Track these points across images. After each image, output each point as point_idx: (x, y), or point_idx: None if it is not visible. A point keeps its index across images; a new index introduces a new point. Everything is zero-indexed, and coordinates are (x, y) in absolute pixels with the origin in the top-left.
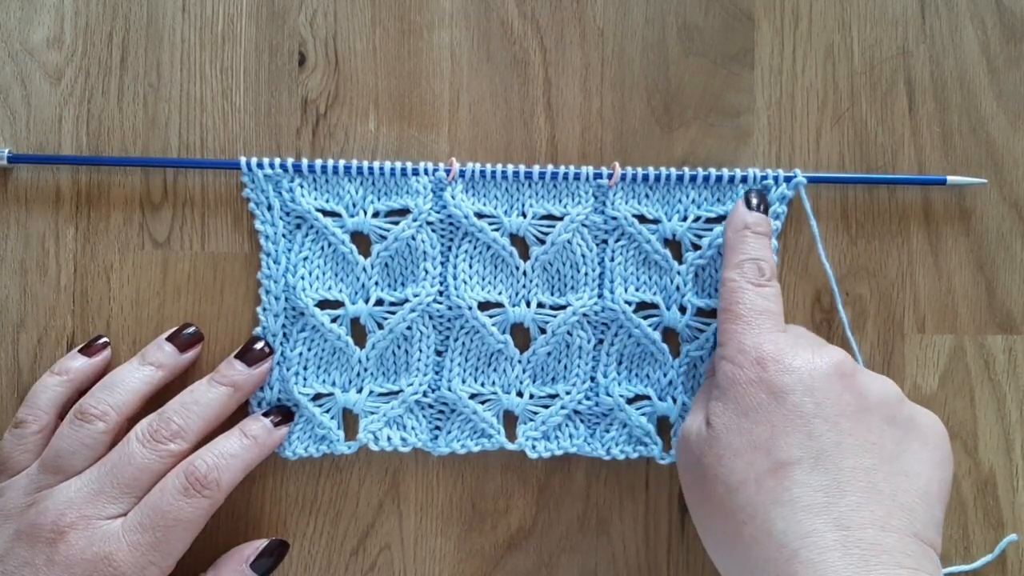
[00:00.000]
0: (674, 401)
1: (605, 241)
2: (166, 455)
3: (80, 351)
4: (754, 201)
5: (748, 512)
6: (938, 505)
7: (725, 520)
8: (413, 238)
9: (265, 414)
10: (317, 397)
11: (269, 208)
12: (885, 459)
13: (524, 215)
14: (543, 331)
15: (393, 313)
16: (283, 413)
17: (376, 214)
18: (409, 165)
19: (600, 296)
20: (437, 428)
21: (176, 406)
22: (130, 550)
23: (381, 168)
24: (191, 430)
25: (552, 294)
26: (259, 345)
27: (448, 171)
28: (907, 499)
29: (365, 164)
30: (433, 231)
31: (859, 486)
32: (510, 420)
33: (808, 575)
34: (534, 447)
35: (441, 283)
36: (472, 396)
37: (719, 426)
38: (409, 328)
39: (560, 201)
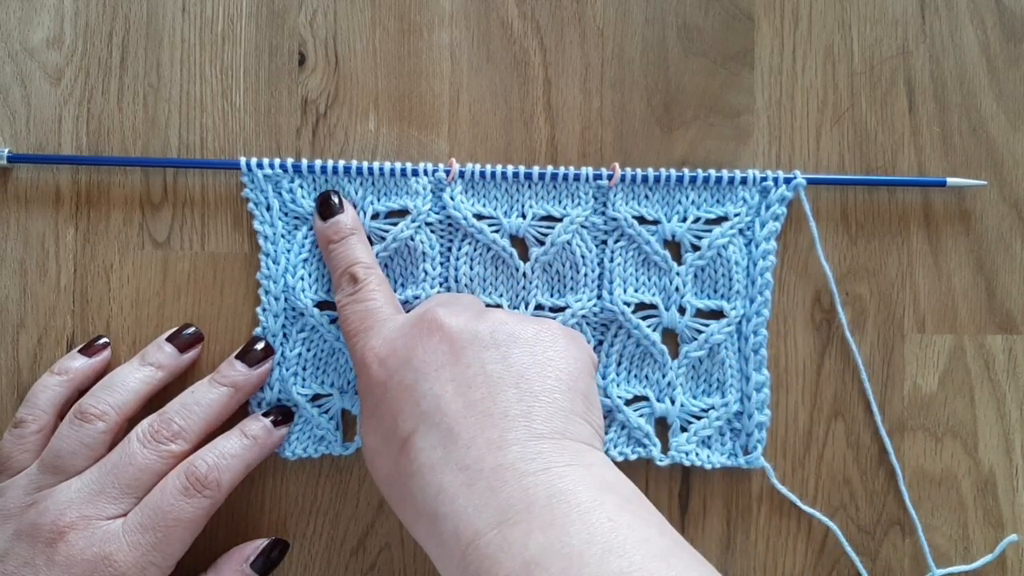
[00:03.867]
0: (672, 402)
1: (604, 242)
2: (167, 455)
3: (80, 351)
4: (332, 201)
5: (401, 501)
6: (565, 396)
7: (404, 517)
8: (412, 239)
9: (265, 414)
10: (316, 398)
11: (269, 208)
12: (491, 383)
13: (524, 216)
14: None
15: None
16: (283, 413)
17: (376, 215)
18: (409, 166)
19: (599, 297)
20: None
21: (177, 407)
22: (130, 550)
23: (380, 169)
24: (192, 431)
25: (551, 295)
26: (260, 345)
27: (448, 172)
28: (521, 408)
29: (364, 165)
30: (433, 232)
31: (469, 423)
32: None
33: (448, 529)
34: None
35: (441, 284)
36: None
37: (362, 435)
38: None
39: (560, 202)
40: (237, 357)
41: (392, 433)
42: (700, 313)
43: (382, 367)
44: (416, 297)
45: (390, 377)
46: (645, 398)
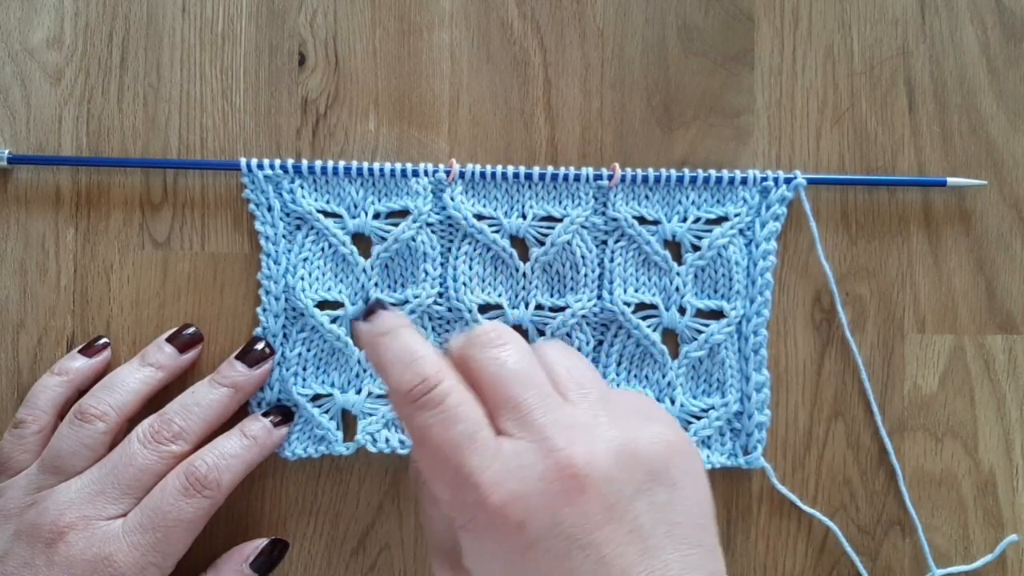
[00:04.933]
0: (672, 402)
1: (605, 242)
2: (167, 456)
3: (80, 351)
4: (377, 306)
5: None
6: (712, 535)
7: None
8: (413, 239)
9: (265, 414)
10: (316, 398)
11: (269, 209)
12: (644, 540)
13: (524, 216)
14: (542, 333)
15: None
16: (283, 413)
17: (376, 215)
18: (409, 166)
19: (599, 297)
20: None
21: (177, 407)
22: (130, 550)
23: (381, 169)
24: (192, 431)
25: (551, 295)
26: (260, 346)
27: (448, 172)
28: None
29: (365, 165)
30: (433, 232)
31: None
32: None
33: None
34: None
35: (441, 284)
36: None
37: None
38: None
39: (560, 202)
40: (237, 357)
41: None
42: (700, 313)
43: (520, 533)
44: (416, 297)
45: (532, 545)
46: None
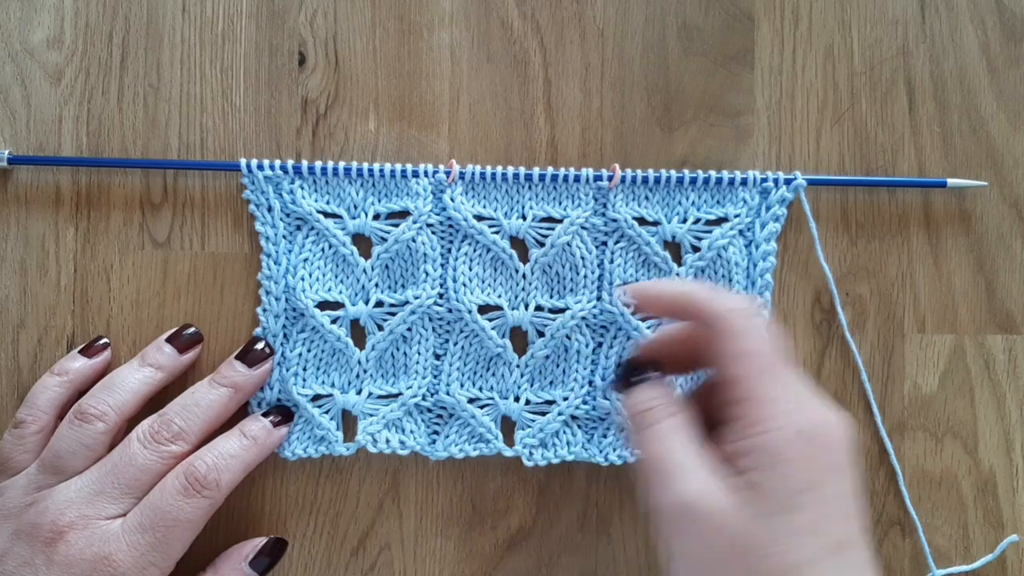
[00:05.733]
0: None
1: (604, 243)
2: (167, 456)
3: (80, 352)
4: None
5: None
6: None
7: None
8: (413, 240)
9: (265, 414)
10: (316, 398)
11: (269, 209)
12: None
13: (524, 217)
14: (541, 334)
15: (393, 315)
16: (283, 413)
17: (377, 216)
18: (409, 167)
19: (599, 298)
20: (435, 432)
21: (177, 408)
22: (129, 550)
23: (381, 170)
24: (192, 431)
25: (551, 297)
26: (260, 346)
27: (448, 173)
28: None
29: (365, 166)
30: (433, 233)
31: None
32: (508, 424)
33: None
34: (531, 455)
35: (441, 285)
36: (470, 400)
37: (763, 504)
38: (409, 330)
39: (560, 203)
40: (237, 358)
41: (818, 529)
42: None
43: (811, 445)
44: (416, 298)
45: (828, 469)
46: None
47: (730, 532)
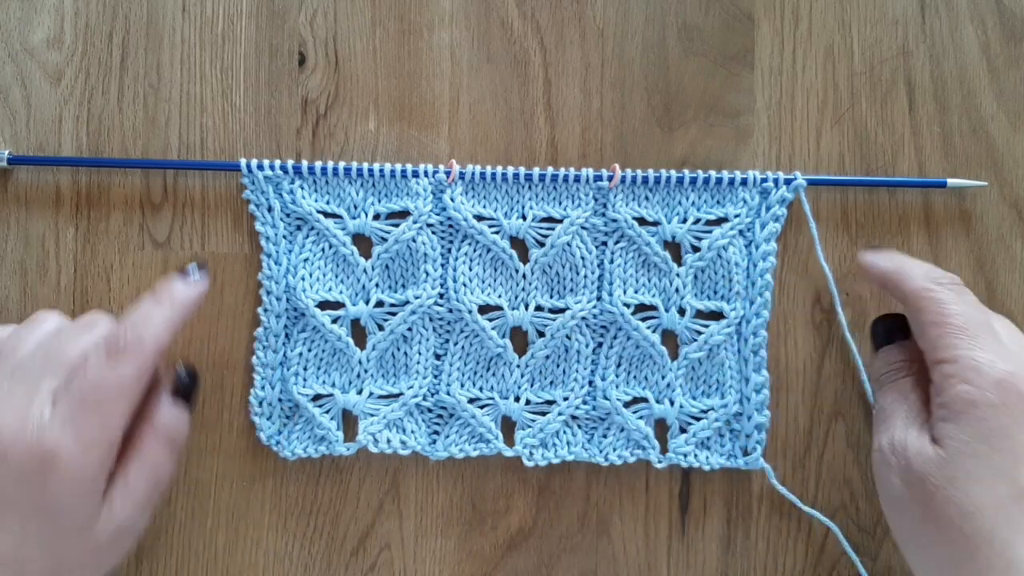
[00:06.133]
0: (671, 403)
1: (604, 243)
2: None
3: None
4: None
5: (984, 538)
6: None
7: (952, 543)
8: (414, 240)
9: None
10: (317, 398)
11: (270, 210)
12: None
13: (524, 217)
14: (542, 335)
15: (393, 315)
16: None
17: (377, 216)
18: (409, 167)
19: (599, 298)
20: (436, 432)
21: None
22: (67, 437)
23: (381, 170)
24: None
25: (551, 297)
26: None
27: (448, 173)
28: None
29: (365, 166)
30: (434, 233)
31: None
32: (508, 424)
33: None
34: (531, 455)
35: (441, 285)
36: (471, 400)
37: (954, 449)
38: (409, 330)
39: (560, 203)
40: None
41: (1008, 474)
42: (700, 314)
43: (1007, 394)
44: (417, 298)
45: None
46: (644, 400)
47: (923, 473)
